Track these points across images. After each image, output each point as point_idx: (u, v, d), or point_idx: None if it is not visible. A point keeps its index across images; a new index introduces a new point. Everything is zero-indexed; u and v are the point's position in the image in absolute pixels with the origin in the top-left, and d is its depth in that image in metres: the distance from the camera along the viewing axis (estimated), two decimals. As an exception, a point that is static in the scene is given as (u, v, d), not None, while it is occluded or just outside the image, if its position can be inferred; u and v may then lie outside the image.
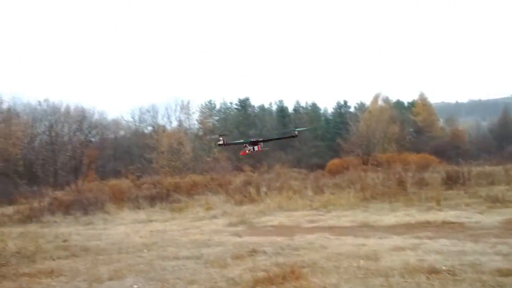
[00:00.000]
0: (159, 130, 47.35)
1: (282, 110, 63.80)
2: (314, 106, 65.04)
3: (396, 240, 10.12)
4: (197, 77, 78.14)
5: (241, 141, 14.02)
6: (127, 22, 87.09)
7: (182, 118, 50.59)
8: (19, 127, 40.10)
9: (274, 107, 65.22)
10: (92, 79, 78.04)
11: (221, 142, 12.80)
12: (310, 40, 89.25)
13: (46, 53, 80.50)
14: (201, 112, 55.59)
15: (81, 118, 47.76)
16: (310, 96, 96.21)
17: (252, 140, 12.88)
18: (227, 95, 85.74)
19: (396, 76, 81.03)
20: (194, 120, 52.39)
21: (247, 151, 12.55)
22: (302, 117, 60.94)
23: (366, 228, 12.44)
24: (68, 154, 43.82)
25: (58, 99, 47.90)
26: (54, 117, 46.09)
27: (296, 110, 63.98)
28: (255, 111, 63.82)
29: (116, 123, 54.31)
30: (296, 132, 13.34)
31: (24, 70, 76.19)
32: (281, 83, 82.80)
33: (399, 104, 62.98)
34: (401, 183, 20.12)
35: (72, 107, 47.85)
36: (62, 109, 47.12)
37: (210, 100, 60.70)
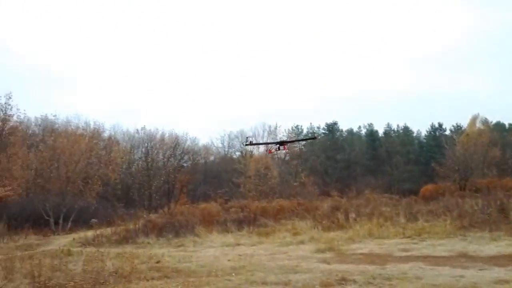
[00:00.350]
0: (246, 155, 48.37)
1: (371, 134, 62.23)
2: (406, 129, 62.71)
3: (499, 272, 9.38)
4: (285, 102, 78.85)
5: (268, 141, 14.72)
6: (217, 51, 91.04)
7: (269, 143, 51.19)
8: (119, 153, 42.84)
9: (363, 131, 63.84)
10: (185, 107, 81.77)
11: (248, 143, 13.50)
12: (400, 61, 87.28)
13: (143, 84, 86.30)
14: (288, 137, 55.86)
15: (174, 145, 50.22)
16: (401, 118, 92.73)
17: (279, 140, 13.46)
18: (314, 120, 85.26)
19: (495, 96, 76.12)
20: (281, 145, 52.59)
21: (273, 150, 13.16)
22: (393, 140, 59.13)
23: (464, 259, 11.67)
24: (162, 178, 46.12)
25: (154, 127, 50.98)
26: (150, 144, 49.09)
27: (386, 133, 62.10)
28: (343, 135, 62.81)
29: (206, 148, 56.54)
30: (316, 135, 13.54)
31: (124, 100, 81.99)
32: (371, 106, 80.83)
33: (499, 126, 58.87)
34: (502, 211, 18.61)
35: (166, 134, 51.00)
36: (158, 136, 50.24)
37: (297, 125, 61.00)
